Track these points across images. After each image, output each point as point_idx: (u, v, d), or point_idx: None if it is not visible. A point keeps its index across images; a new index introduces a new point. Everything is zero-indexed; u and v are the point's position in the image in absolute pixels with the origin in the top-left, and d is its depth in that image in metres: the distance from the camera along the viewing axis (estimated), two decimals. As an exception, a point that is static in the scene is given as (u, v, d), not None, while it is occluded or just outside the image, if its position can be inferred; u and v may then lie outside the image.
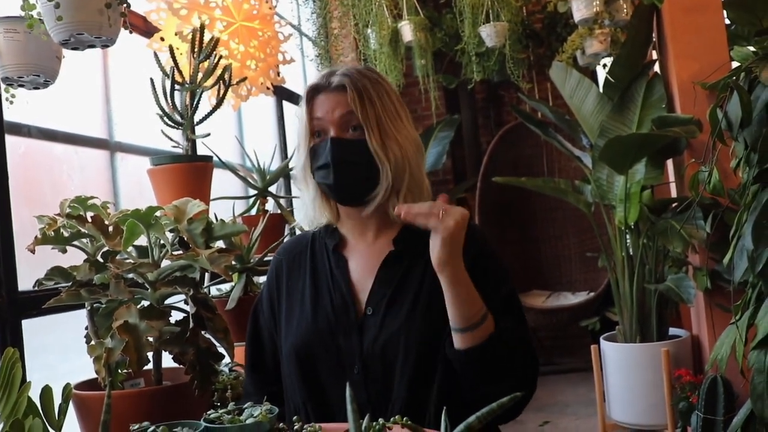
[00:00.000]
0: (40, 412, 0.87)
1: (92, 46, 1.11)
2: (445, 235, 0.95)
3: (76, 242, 1.15)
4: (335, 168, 1.05)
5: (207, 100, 1.74)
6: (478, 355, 0.98)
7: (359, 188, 1.08)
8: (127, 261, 1.12)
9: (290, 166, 2.08)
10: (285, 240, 1.81)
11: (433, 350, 1.03)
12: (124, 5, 1.09)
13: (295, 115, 1.20)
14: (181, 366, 1.06)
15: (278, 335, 1.14)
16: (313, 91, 1.10)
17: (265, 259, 1.73)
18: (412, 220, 0.98)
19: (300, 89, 3.92)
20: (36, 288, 1.14)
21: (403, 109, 1.12)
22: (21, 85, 1.23)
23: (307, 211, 1.15)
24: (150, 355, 1.05)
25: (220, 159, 1.88)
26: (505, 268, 1.13)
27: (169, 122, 1.62)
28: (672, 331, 3.11)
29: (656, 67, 3.21)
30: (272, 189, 2.08)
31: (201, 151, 1.72)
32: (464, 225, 0.97)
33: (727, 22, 2.61)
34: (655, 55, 3.32)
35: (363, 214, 1.10)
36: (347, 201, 1.11)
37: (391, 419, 0.79)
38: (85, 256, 1.15)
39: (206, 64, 1.63)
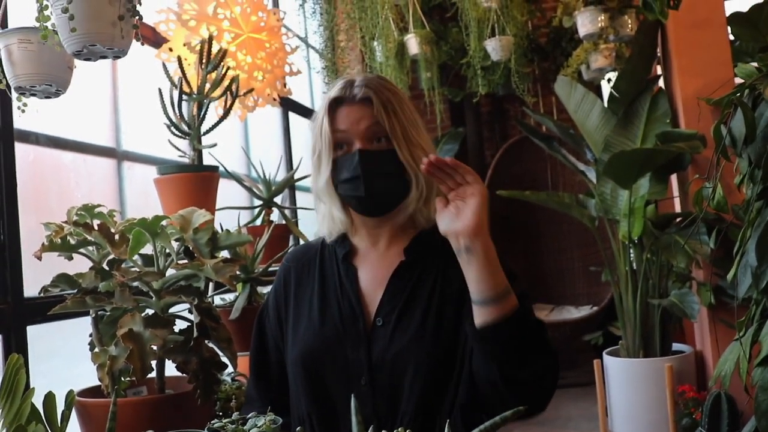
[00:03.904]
0: (43, 418, 0.87)
1: (104, 57, 1.12)
2: (481, 198, 0.95)
3: (82, 250, 1.16)
4: (366, 179, 1.05)
5: (214, 111, 1.75)
6: (506, 329, 0.95)
7: (390, 198, 1.08)
8: (133, 269, 1.13)
9: (295, 177, 2.09)
10: (292, 248, 1.81)
11: (443, 363, 1.02)
12: (137, 17, 1.10)
13: (308, 128, 1.18)
14: (185, 375, 1.07)
15: (284, 343, 1.13)
16: (336, 103, 1.09)
17: (270, 269, 1.73)
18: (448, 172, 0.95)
19: (306, 101, 3.94)
20: (41, 294, 1.15)
21: (419, 118, 1.13)
22: (33, 94, 1.24)
23: (328, 223, 1.14)
24: (153, 363, 1.06)
25: (226, 169, 1.90)
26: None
27: (177, 132, 1.63)
28: (675, 346, 3.09)
29: (661, 83, 3.22)
30: (277, 200, 2.09)
31: (207, 161, 1.73)
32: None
33: (732, 38, 2.62)
34: (659, 70, 3.33)
35: (394, 222, 1.10)
36: (376, 212, 1.10)
37: (395, 431, 0.78)
38: (91, 264, 1.16)
39: (214, 74, 1.65)
